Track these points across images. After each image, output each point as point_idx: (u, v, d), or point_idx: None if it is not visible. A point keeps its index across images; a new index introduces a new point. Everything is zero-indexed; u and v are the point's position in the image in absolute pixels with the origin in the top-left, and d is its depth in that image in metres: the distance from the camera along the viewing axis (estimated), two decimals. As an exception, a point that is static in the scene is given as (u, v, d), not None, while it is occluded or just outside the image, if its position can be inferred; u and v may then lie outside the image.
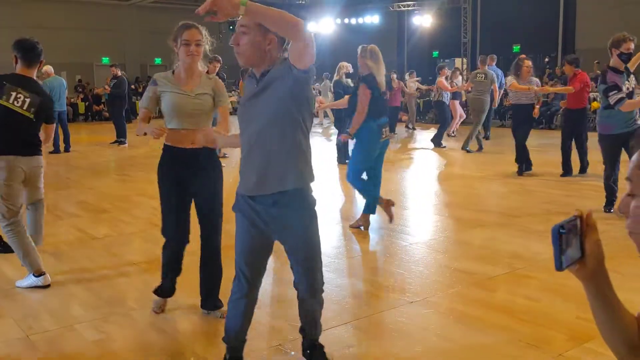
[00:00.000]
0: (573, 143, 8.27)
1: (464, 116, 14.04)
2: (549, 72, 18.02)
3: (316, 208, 2.64)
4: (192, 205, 3.49)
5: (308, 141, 2.56)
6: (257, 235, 2.60)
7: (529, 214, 6.14)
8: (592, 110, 15.35)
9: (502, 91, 12.89)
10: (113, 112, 14.09)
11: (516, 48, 19.23)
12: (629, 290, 3.48)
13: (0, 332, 3.40)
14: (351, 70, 10.27)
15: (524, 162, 8.55)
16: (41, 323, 3.52)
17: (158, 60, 24.54)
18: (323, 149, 11.97)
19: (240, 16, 2.21)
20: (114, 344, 3.26)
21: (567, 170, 8.23)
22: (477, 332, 3.31)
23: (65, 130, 12.02)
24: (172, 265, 3.56)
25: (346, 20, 23.51)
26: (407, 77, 16.54)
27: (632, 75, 5.90)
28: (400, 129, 16.39)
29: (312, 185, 2.62)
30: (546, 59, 18.94)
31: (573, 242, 1.15)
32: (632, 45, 5.76)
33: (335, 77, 10.45)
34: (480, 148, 11.34)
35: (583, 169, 8.31)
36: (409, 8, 22.23)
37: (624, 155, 5.60)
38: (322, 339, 2.96)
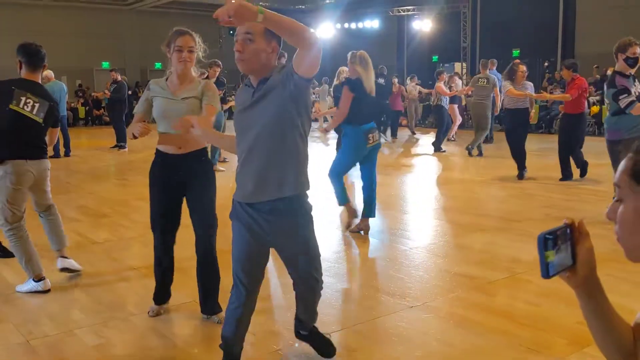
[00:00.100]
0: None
1: (460, 119, 14.07)
2: (548, 76, 18.04)
3: (313, 213, 2.66)
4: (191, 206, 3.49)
5: (306, 148, 2.57)
6: (254, 243, 2.60)
7: (529, 218, 6.14)
8: (591, 115, 15.37)
9: (502, 95, 12.92)
10: (113, 116, 14.12)
11: (516, 52, 19.25)
12: (619, 294, 3.48)
13: (0, 337, 3.40)
14: (351, 75, 10.27)
15: (524, 166, 8.56)
16: (41, 328, 3.52)
17: (158, 65, 24.55)
18: (322, 154, 11.97)
19: (246, 23, 2.22)
20: (113, 349, 3.26)
21: (566, 175, 8.21)
22: (478, 337, 3.31)
23: (66, 135, 12.03)
24: (162, 265, 3.61)
25: (346, 25, 23.56)
26: (408, 81, 16.55)
27: (637, 80, 5.89)
28: (403, 132, 16.38)
29: (311, 188, 2.64)
30: (546, 64, 18.96)
31: (563, 249, 1.15)
32: (638, 50, 5.76)
33: (335, 82, 10.44)
34: (480, 153, 11.35)
35: (583, 172, 8.29)
36: (409, 13, 22.28)
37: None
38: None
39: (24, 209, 4.12)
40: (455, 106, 13.55)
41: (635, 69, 5.82)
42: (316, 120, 16.33)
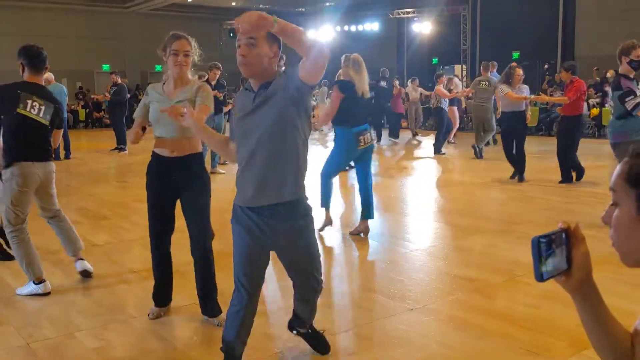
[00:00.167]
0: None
1: (457, 123, 14.09)
2: (548, 78, 18.04)
3: (313, 214, 2.70)
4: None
5: (306, 151, 2.60)
6: (255, 246, 2.61)
7: (529, 221, 6.14)
8: (591, 117, 15.38)
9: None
10: (113, 119, 14.14)
11: (515, 55, 19.25)
12: (617, 296, 3.49)
13: (0, 340, 3.40)
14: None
15: (523, 168, 8.55)
16: (41, 331, 3.52)
17: (158, 68, 24.52)
18: (322, 156, 11.97)
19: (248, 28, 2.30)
20: (114, 352, 3.26)
21: (566, 178, 8.20)
22: (477, 339, 3.31)
23: (66, 137, 12.03)
24: (160, 266, 3.63)
25: (346, 28, 23.58)
26: (409, 83, 16.56)
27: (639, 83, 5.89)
28: (404, 135, 16.34)
29: (310, 190, 2.66)
30: (545, 66, 18.97)
31: (558, 253, 1.15)
32: None
33: (334, 84, 10.47)
34: (480, 156, 11.35)
35: (579, 176, 8.27)
36: (409, 15, 22.30)
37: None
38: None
39: (27, 212, 4.13)
40: (455, 108, 13.55)
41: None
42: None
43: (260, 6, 25.01)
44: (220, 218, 6.27)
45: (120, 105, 13.70)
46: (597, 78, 16.77)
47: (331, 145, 6.07)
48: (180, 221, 3.56)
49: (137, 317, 3.72)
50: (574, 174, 8.22)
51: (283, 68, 2.59)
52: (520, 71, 8.67)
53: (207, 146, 5.08)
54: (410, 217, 6.72)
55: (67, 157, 12.13)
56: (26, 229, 4.11)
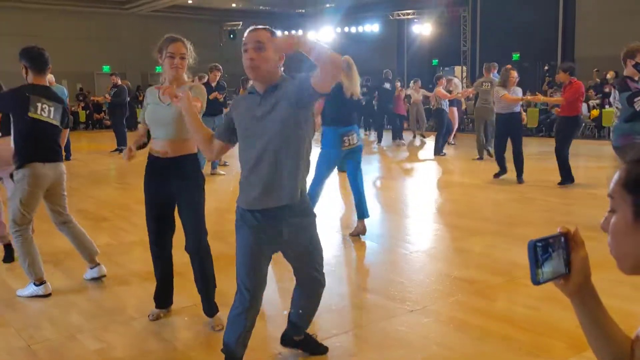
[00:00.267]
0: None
1: (457, 125, 14.10)
2: (548, 80, 18.06)
3: (314, 212, 2.77)
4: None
5: (309, 154, 2.66)
6: (259, 248, 2.63)
7: (529, 222, 6.14)
8: (591, 119, 15.39)
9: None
10: (114, 120, 14.15)
11: (515, 56, 19.28)
12: (618, 297, 3.50)
13: (1, 341, 3.41)
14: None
15: (522, 170, 8.56)
16: (42, 332, 3.53)
17: (159, 69, 24.55)
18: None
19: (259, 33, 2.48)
20: (114, 353, 3.27)
21: (567, 179, 8.19)
22: (477, 341, 3.31)
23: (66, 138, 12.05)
24: (160, 267, 3.66)
25: (346, 29, 23.60)
26: (411, 84, 16.57)
27: None
28: (406, 136, 16.31)
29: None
30: (546, 67, 18.99)
31: (555, 256, 1.16)
32: None
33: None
34: (480, 157, 11.36)
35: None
36: (409, 17, 22.32)
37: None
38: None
39: (34, 214, 4.16)
40: (455, 109, 13.56)
41: None
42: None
43: (261, 8, 25.05)
44: (220, 219, 6.30)
45: (121, 107, 13.71)
46: (597, 79, 16.79)
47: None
48: (179, 222, 3.57)
49: (138, 319, 3.72)
50: (575, 175, 8.22)
51: (282, 69, 2.63)
52: (514, 73, 8.76)
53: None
54: (410, 219, 6.72)
55: (67, 158, 12.11)
56: (30, 229, 4.13)
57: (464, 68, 21.55)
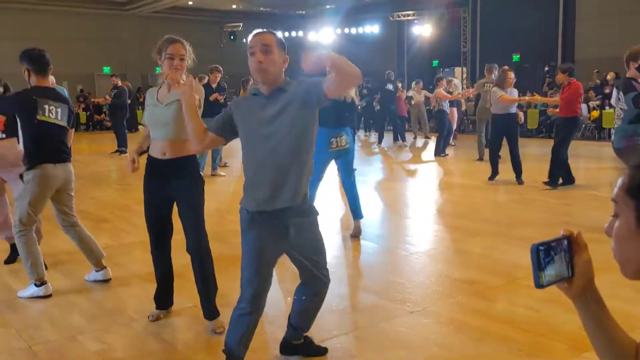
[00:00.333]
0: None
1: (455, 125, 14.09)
2: (548, 81, 18.06)
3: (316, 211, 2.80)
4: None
5: (313, 156, 2.70)
6: (263, 250, 2.64)
7: (529, 223, 6.14)
8: (591, 120, 15.39)
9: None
10: (114, 121, 14.17)
11: (516, 57, 19.29)
12: (621, 299, 3.50)
13: (2, 342, 3.41)
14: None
15: (521, 170, 8.56)
16: (43, 333, 3.53)
17: (159, 70, 24.62)
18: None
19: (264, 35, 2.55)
20: (114, 354, 3.27)
21: (566, 180, 8.19)
22: (478, 342, 3.31)
23: (66, 140, 12.07)
24: (159, 268, 3.67)
25: (346, 30, 23.63)
26: (413, 85, 16.58)
27: None
28: (410, 138, 16.29)
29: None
30: (546, 68, 18.99)
31: (557, 260, 1.16)
32: None
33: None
34: (481, 158, 11.36)
35: (569, 182, 8.21)
36: (409, 18, 22.34)
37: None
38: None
39: (39, 215, 4.18)
40: (455, 110, 13.57)
41: None
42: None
43: (261, 9, 25.06)
44: (221, 220, 6.31)
45: (121, 108, 13.72)
46: (598, 80, 16.79)
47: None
48: (179, 223, 3.57)
49: (138, 320, 3.72)
50: (561, 179, 8.16)
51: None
52: (511, 74, 8.81)
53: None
54: (410, 220, 6.72)
55: (67, 159, 12.14)
56: (33, 230, 4.15)
57: (464, 69, 21.55)
